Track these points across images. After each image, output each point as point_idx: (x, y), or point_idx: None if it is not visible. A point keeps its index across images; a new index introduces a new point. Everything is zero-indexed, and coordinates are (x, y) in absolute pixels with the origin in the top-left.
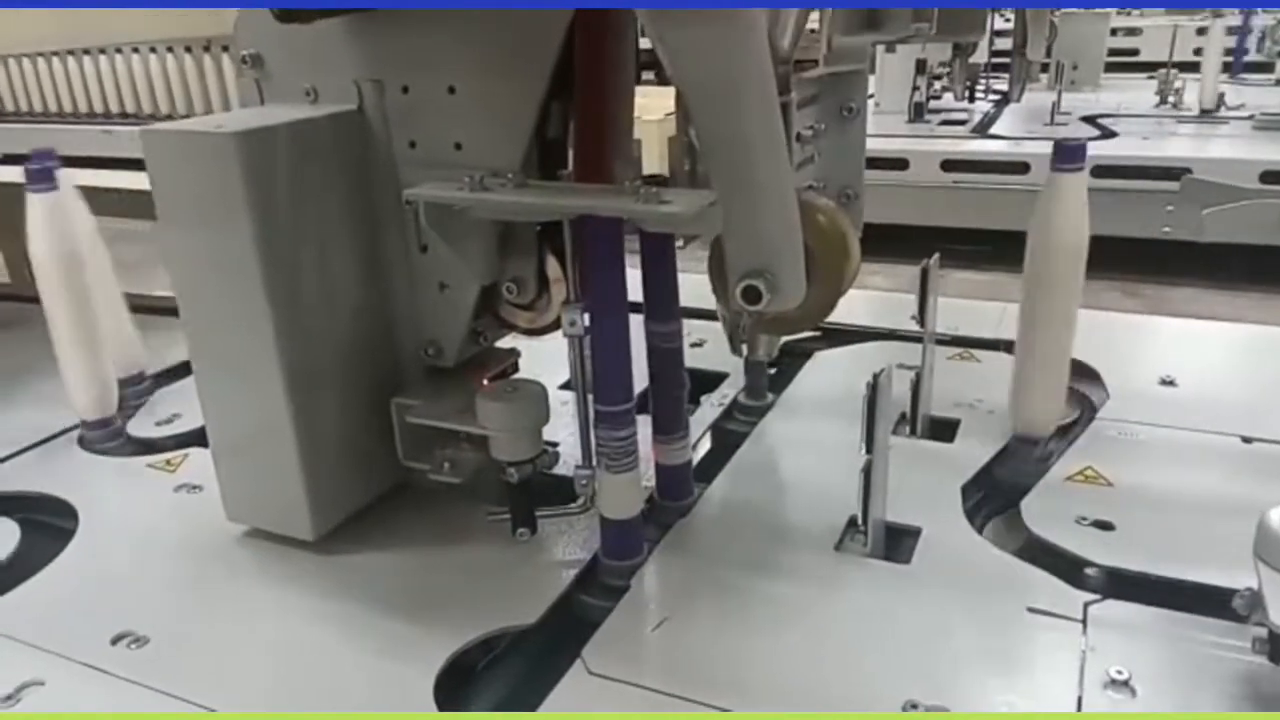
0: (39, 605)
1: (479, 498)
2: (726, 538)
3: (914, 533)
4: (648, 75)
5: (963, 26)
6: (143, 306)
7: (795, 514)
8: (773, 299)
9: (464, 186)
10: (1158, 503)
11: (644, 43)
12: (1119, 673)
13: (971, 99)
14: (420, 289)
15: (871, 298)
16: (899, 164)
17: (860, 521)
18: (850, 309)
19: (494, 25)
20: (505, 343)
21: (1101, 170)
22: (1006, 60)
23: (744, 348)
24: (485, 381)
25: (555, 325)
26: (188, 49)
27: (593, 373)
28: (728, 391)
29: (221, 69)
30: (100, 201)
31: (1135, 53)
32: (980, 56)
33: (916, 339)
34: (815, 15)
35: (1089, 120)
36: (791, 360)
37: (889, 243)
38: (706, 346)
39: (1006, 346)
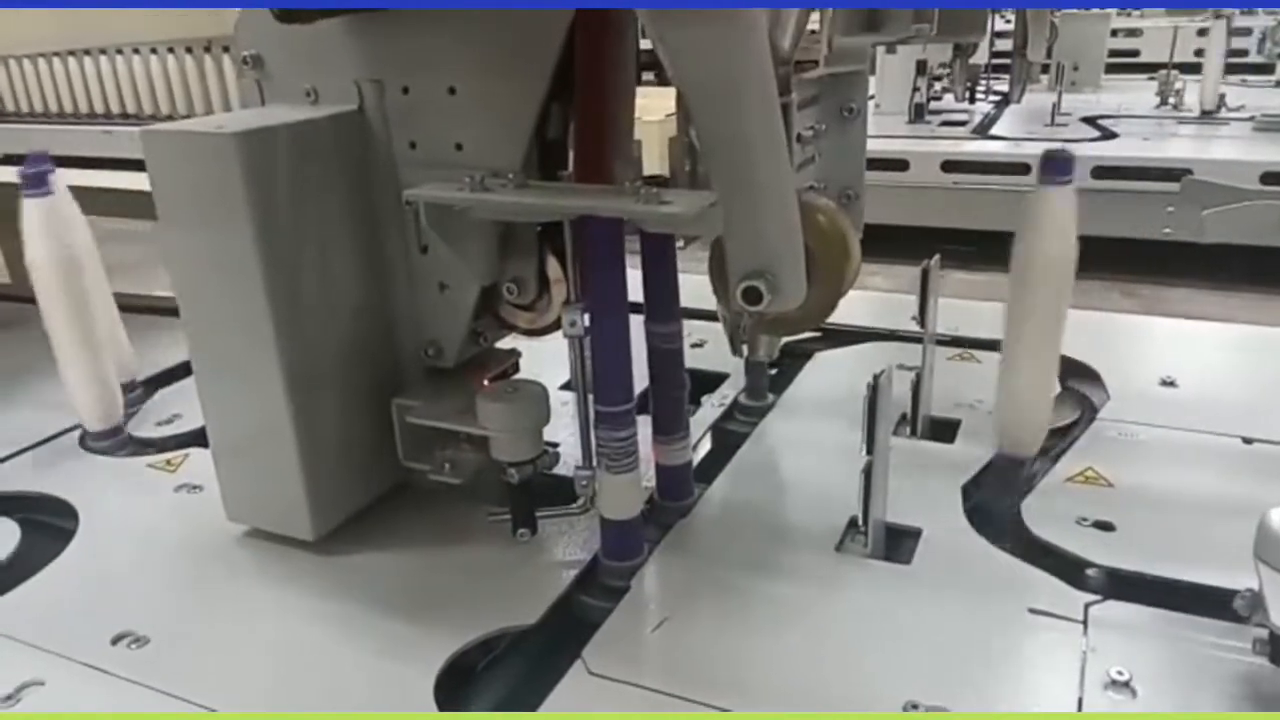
0: (39, 605)
1: (479, 498)
2: (727, 538)
3: (914, 533)
4: (648, 76)
5: (963, 27)
6: (143, 307)
7: (796, 514)
8: (773, 300)
9: (464, 187)
10: (1158, 503)
11: (644, 43)
12: (1119, 673)
13: (972, 100)
14: (420, 289)
15: (872, 298)
16: (899, 165)
17: (861, 522)
18: (851, 310)
19: (494, 25)
20: (505, 343)
21: (1102, 171)
22: (1007, 61)
23: (744, 348)
24: (485, 382)
25: (555, 326)
26: (188, 50)
27: (593, 373)
28: (728, 392)
29: (222, 69)
30: (100, 202)
31: (1136, 54)
32: (981, 57)
33: (917, 340)
34: (816, 16)
35: (1089, 121)
36: (792, 361)
37: (889, 243)
38: (707, 347)
39: None
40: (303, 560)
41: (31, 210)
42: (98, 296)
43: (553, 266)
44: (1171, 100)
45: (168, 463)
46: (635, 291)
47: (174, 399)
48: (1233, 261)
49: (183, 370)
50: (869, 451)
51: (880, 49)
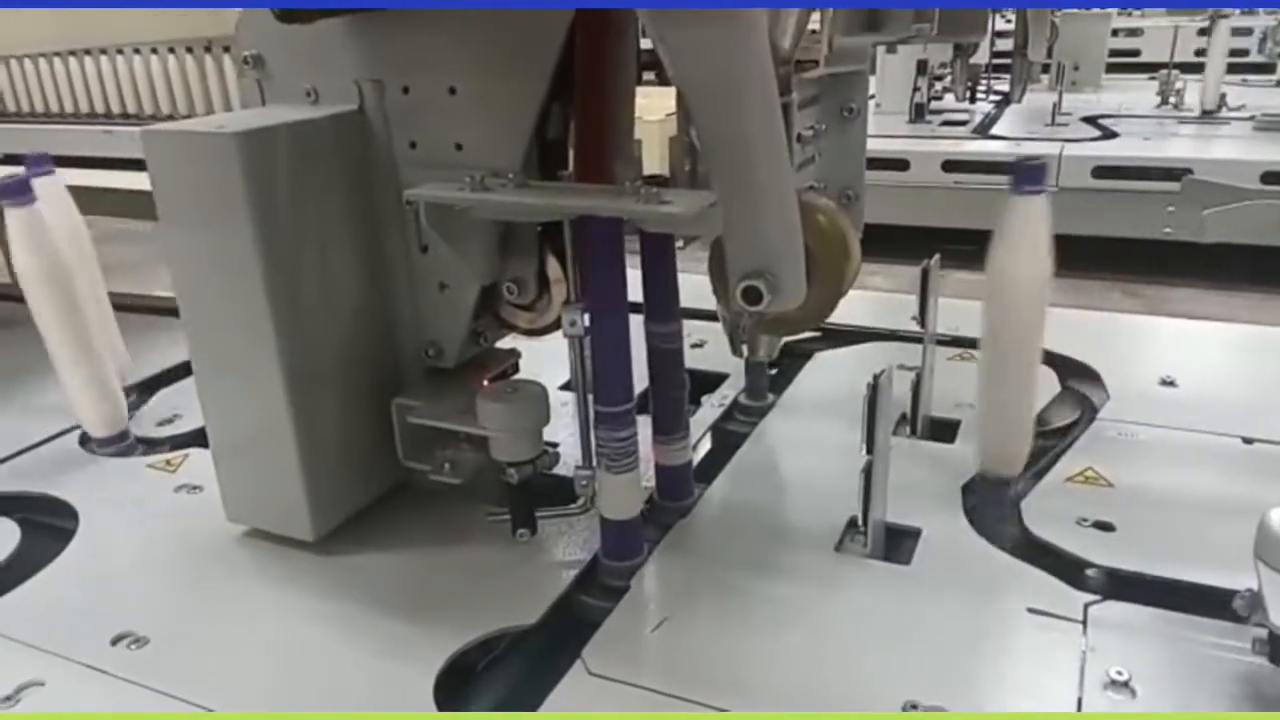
0: (39, 606)
1: (479, 498)
2: (726, 538)
3: (914, 533)
4: (649, 75)
5: (964, 27)
6: (143, 307)
7: (795, 514)
8: (773, 300)
9: (464, 187)
10: (1158, 503)
11: (645, 43)
12: (1119, 673)
13: (972, 100)
14: (421, 289)
15: (872, 298)
16: (900, 165)
17: (860, 522)
18: (851, 310)
19: (494, 25)
20: (505, 343)
21: (1102, 171)
22: (1008, 61)
23: (744, 348)
24: (485, 382)
25: (555, 326)
26: (188, 50)
27: (593, 373)
28: (728, 392)
29: (222, 69)
30: (100, 202)
31: (1136, 53)
32: (981, 57)
33: (917, 339)
34: (816, 16)
35: (1090, 121)
36: (792, 361)
37: (890, 243)
38: (707, 347)
39: None
40: (302, 560)
41: (13, 220)
42: (92, 301)
43: (553, 266)
44: (1172, 100)
45: (167, 463)
46: (635, 291)
47: (174, 399)
48: (1234, 261)
49: (183, 370)
50: (869, 451)
51: (881, 49)
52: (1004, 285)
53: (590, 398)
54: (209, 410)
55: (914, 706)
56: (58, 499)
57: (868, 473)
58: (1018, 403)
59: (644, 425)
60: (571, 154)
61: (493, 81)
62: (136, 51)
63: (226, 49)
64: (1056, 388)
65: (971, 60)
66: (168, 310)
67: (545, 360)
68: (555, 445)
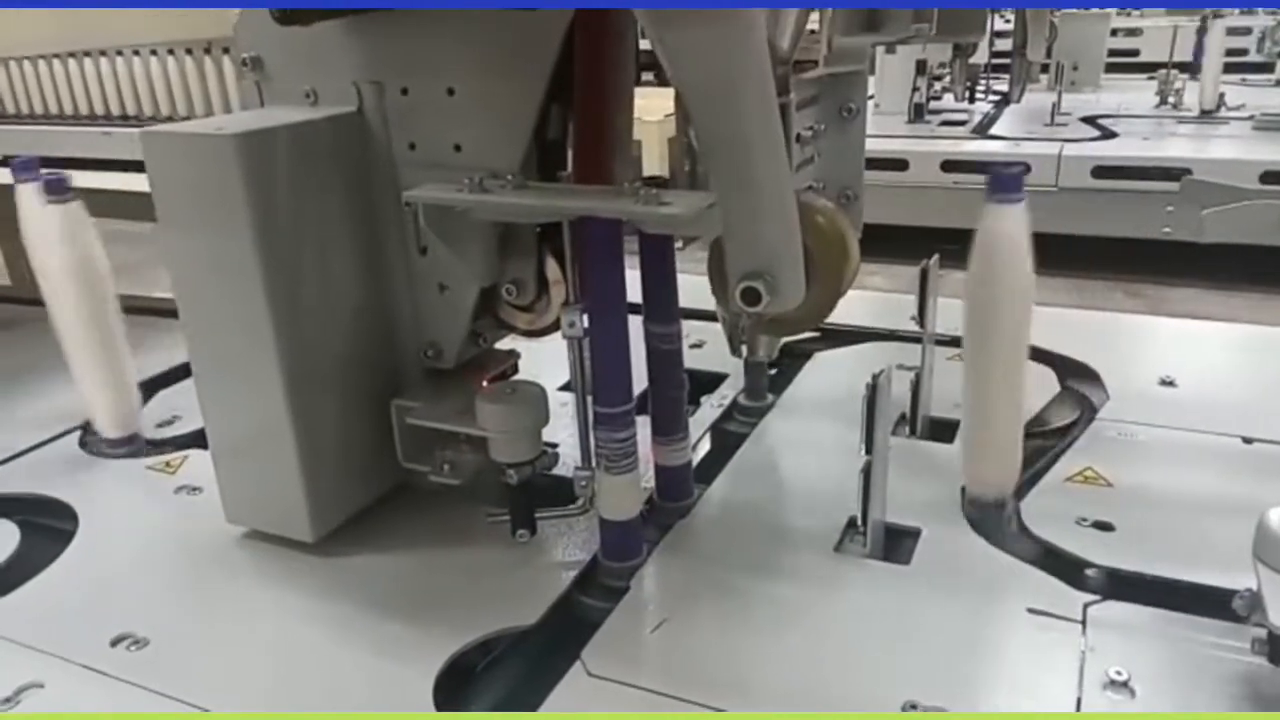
0: (39, 607)
1: (479, 499)
2: (726, 539)
3: (913, 534)
4: (648, 76)
5: (963, 27)
6: (142, 308)
7: (795, 515)
8: (772, 300)
9: (463, 188)
10: (1157, 503)
11: (644, 44)
12: (1118, 673)
13: (971, 100)
14: (420, 291)
15: (871, 298)
16: (899, 165)
17: (860, 522)
18: (850, 310)
19: (493, 26)
20: (505, 344)
21: (1102, 171)
22: (1006, 61)
23: (744, 349)
24: (485, 383)
25: (555, 327)
26: (188, 51)
27: (592, 374)
28: (727, 392)
29: (222, 71)
30: (99, 203)
31: (1135, 53)
32: (980, 57)
33: (916, 340)
34: (815, 16)
35: (1089, 121)
36: (791, 361)
37: (889, 243)
38: (706, 347)
39: None
40: (302, 561)
41: (53, 216)
42: (112, 302)
43: (552, 267)
44: (1171, 100)
45: (167, 464)
46: (634, 292)
47: (173, 401)
48: (1233, 261)
49: (182, 372)
50: (868, 451)
51: (880, 49)
52: (981, 301)
53: (589, 398)
54: (208, 412)
55: (913, 706)
56: (57, 500)
57: (867, 473)
58: (1002, 423)
59: (643, 426)
60: (570, 155)
61: (492, 82)
62: (136, 53)
63: (226, 50)
64: (1056, 387)
65: (970, 60)
66: (167, 312)
67: (544, 361)
68: (555, 446)
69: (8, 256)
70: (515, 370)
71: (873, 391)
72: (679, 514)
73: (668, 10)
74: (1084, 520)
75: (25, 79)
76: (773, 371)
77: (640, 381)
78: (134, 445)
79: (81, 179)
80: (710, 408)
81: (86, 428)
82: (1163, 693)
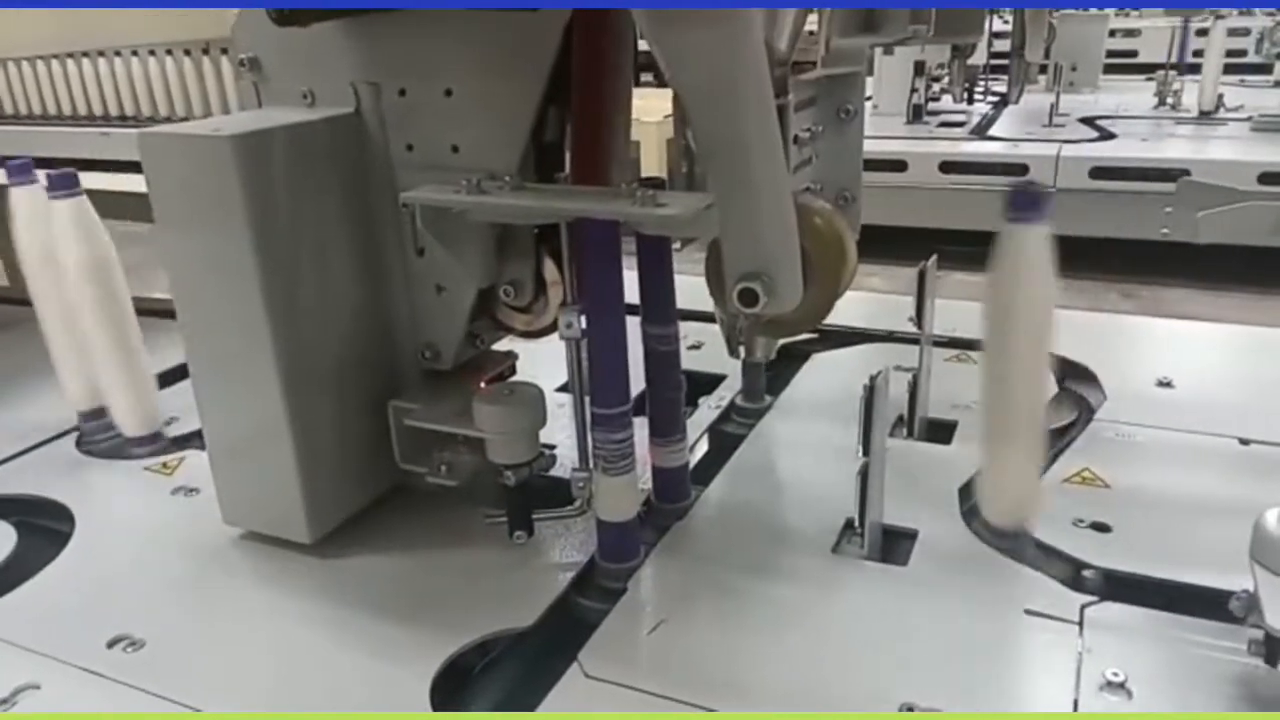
0: (35, 608)
1: (476, 500)
2: (723, 540)
3: (911, 535)
4: (646, 77)
5: (961, 28)
6: (140, 309)
7: (792, 516)
8: (769, 302)
9: (461, 189)
10: (1154, 505)
11: (642, 45)
12: (1115, 675)
13: (970, 100)
14: (417, 292)
15: (869, 299)
16: (897, 166)
17: (857, 524)
18: (848, 311)
19: (491, 27)
20: (502, 345)
21: (1100, 172)
22: (1005, 62)
23: (741, 350)
24: (482, 384)
25: (552, 328)
26: (186, 52)
27: (590, 375)
28: (725, 394)
29: (220, 72)
30: (98, 203)
31: (1134, 54)
32: (978, 58)
33: (914, 341)
34: (813, 17)
35: (1087, 122)
36: (789, 362)
37: (887, 244)
38: (704, 349)
39: None
40: (299, 563)
41: (63, 212)
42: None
43: (549, 268)
44: (1169, 101)
45: (164, 465)
46: (632, 293)
47: (171, 401)
48: (1231, 262)
49: (180, 373)
50: (865, 453)
51: (878, 50)
52: (999, 324)
53: (587, 400)
54: (206, 413)
55: (911, 708)
56: (54, 502)
57: (864, 474)
58: (1021, 449)
59: (641, 427)
60: (568, 156)
61: (489, 83)
62: (134, 54)
63: (224, 51)
64: (1054, 388)
65: (969, 61)
66: (165, 313)
67: (542, 362)
68: (552, 447)
69: (5, 257)
70: (513, 371)
71: (870, 393)
72: (676, 515)
73: (665, 11)
74: (1081, 521)
75: (24, 79)
76: (770, 373)
77: (638, 383)
78: (157, 444)
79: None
80: (708, 409)
81: (82, 428)
82: (1160, 694)
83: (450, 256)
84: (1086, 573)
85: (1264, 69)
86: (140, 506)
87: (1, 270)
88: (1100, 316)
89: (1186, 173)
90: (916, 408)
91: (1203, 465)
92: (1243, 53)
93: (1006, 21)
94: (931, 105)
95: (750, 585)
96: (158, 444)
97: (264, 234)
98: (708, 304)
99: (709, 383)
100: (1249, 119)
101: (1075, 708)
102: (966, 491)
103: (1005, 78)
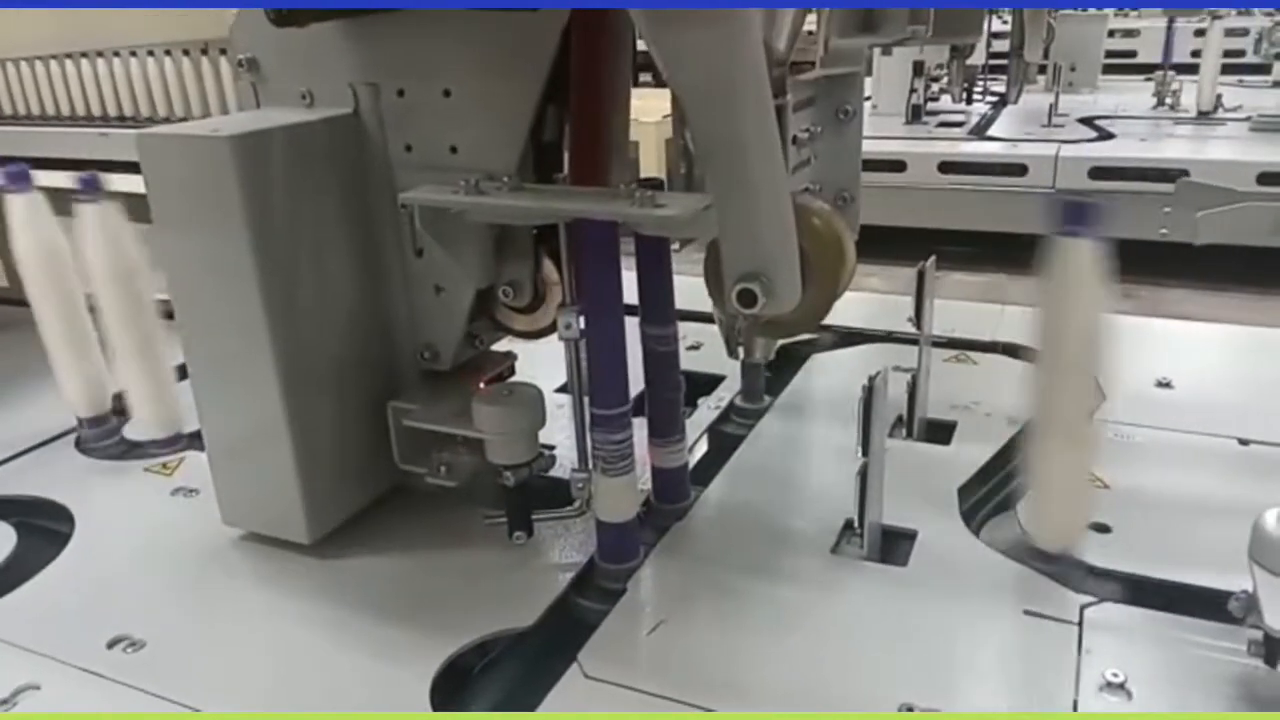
0: (35, 609)
1: (475, 501)
2: (723, 541)
3: (910, 535)
4: (645, 77)
5: (960, 28)
6: None
7: (792, 517)
8: (768, 302)
9: (459, 190)
10: (1154, 505)
11: (641, 45)
12: (1115, 675)
13: (969, 101)
14: (416, 292)
15: (868, 300)
16: (896, 166)
17: (857, 524)
18: (847, 311)
19: (490, 28)
20: (501, 346)
21: (1099, 172)
22: (1004, 62)
23: (740, 350)
24: (481, 385)
25: (551, 328)
26: (185, 52)
27: (589, 376)
28: (724, 394)
29: (219, 72)
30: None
31: (1133, 54)
32: (978, 58)
33: (913, 341)
34: (812, 17)
35: (1086, 122)
36: (788, 363)
37: (886, 245)
38: (703, 349)
39: (1004, 349)
40: (299, 563)
41: (87, 217)
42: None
43: (548, 269)
44: (1168, 101)
45: (164, 466)
46: (631, 294)
47: None
48: (1232, 262)
49: (179, 374)
50: (864, 453)
51: (876, 50)
52: (1050, 340)
53: (586, 400)
54: (204, 413)
55: (911, 708)
56: (54, 502)
57: (863, 475)
58: (1072, 469)
59: (640, 428)
60: (567, 156)
61: (488, 84)
62: (133, 54)
63: (223, 51)
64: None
65: (968, 61)
66: (163, 313)
67: (541, 363)
68: (551, 448)
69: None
70: (512, 372)
71: (869, 393)
72: (676, 516)
73: (664, 11)
74: None
75: (22, 80)
76: (769, 373)
77: (637, 383)
78: (178, 444)
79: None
80: (707, 409)
81: (82, 434)
82: (1159, 694)
83: (449, 257)
84: (1086, 573)
85: (1262, 69)
86: (140, 507)
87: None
88: None
89: (1185, 173)
90: (915, 408)
91: (1202, 465)
92: (1241, 53)
93: (1005, 21)
94: (930, 105)
95: (750, 586)
96: (177, 445)
97: (262, 234)
98: (707, 304)
99: (708, 383)
100: (1248, 119)
101: (1075, 708)
102: (965, 491)
103: (1004, 78)
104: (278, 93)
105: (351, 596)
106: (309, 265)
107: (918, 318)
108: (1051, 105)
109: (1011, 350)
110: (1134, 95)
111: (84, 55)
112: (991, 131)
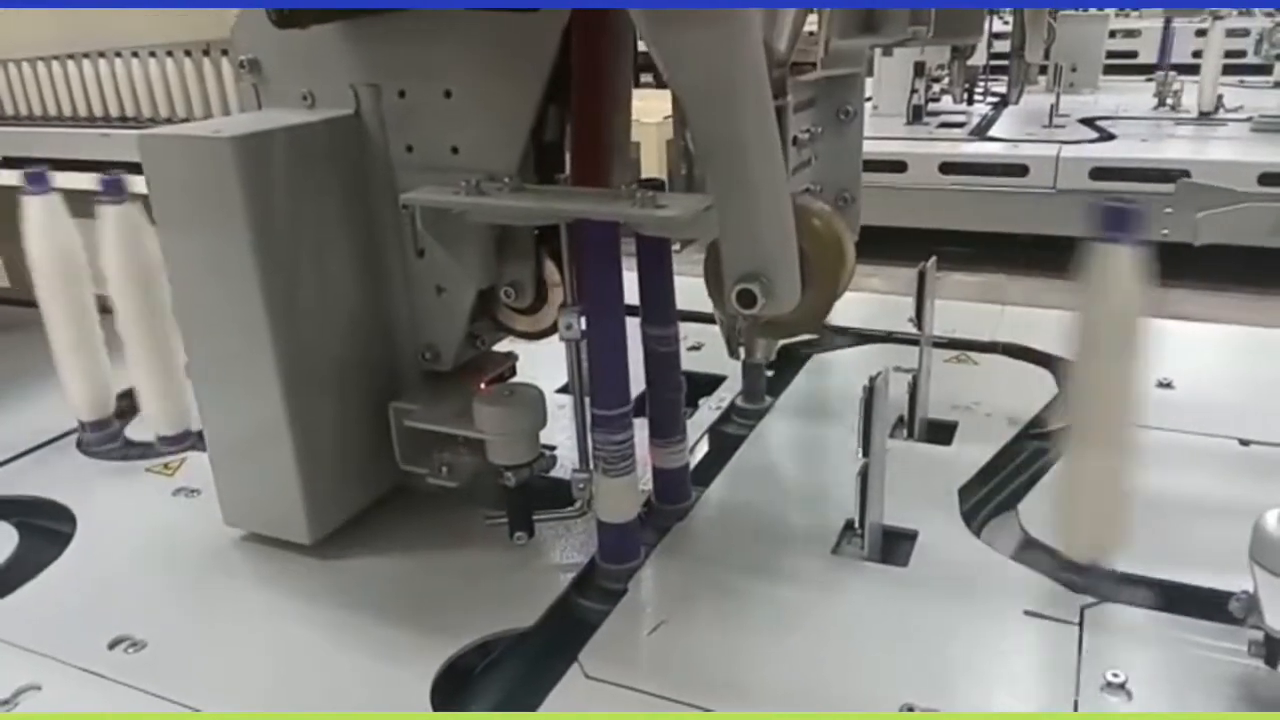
0: (36, 609)
1: (476, 502)
2: (724, 541)
3: (911, 536)
4: (646, 78)
5: (960, 29)
6: None
7: (792, 517)
8: (768, 303)
9: (461, 190)
10: (1154, 505)
11: (641, 45)
12: (1115, 675)
13: (970, 101)
14: (417, 293)
15: (869, 300)
16: (897, 166)
17: (857, 524)
18: (848, 312)
19: (490, 28)
20: (502, 346)
21: (1100, 172)
22: (1005, 62)
23: (741, 351)
24: (483, 385)
25: (553, 329)
26: (187, 53)
27: (590, 376)
28: (725, 394)
29: (221, 73)
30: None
31: (1134, 55)
32: (978, 59)
33: (914, 342)
34: (813, 18)
35: (1087, 122)
36: (789, 363)
37: (887, 245)
38: (704, 349)
39: (1004, 349)
40: (300, 564)
41: (108, 219)
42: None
43: (550, 270)
44: (1169, 101)
45: (165, 466)
46: (632, 294)
47: None
48: (1232, 262)
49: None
50: (865, 454)
51: (877, 51)
52: (1086, 346)
53: (587, 401)
54: (206, 414)
55: (911, 708)
56: (55, 502)
57: (864, 475)
58: (1109, 479)
59: (641, 428)
60: (568, 157)
61: (489, 84)
62: (135, 55)
63: (225, 52)
64: (1054, 389)
65: (968, 62)
66: None
67: (542, 363)
68: (553, 448)
69: (7, 260)
70: (513, 372)
71: (870, 394)
72: (677, 516)
73: (664, 11)
74: None
75: (24, 81)
76: (770, 373)
77: (638, 384)
78: (186, 442)
79: (79, 180)
80: (708, 410)
81: (84, 438)
82: (1159, 695)
83: (450, 257)
84: (1086, 574)
85: (1263, 69)
86: (141, 508)
87: (2, 271)
88: None
89: (1186, 173)
90: (916, 408)
91: (1202, 466)
92: (1242, 54)
93: (1006, 22)
94: (931, 106)
95: (750, 586)
96: (185, 443)
97: (264, 235)
98: (707, 305)
99: (709, 384)
100: (1249, 120)
101: (1075, 708)
102: (966, 492)
103: (1005, 78)
104: (279, 94)
105: (352, 597)
106: (310, 266)
107: (918, 318)
108: (1052, 106)
109: (1012, 351)
110: (1135, 96)
111: (85, 56)
112: (992, 132)
